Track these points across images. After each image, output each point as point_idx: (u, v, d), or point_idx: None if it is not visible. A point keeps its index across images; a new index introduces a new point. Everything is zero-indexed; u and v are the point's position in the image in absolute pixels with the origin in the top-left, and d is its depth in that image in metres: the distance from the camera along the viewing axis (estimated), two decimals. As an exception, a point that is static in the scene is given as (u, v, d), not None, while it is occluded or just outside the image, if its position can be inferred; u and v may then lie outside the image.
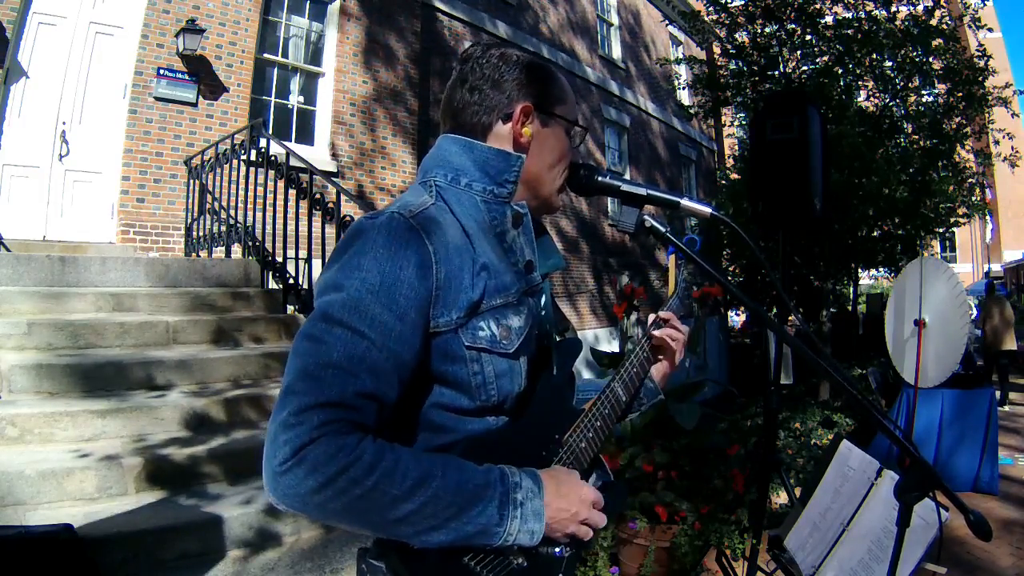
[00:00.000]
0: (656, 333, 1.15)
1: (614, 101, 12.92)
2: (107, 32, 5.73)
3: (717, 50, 12.32)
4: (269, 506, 2.74)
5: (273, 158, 4.97)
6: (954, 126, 8.81)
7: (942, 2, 8.14)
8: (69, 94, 5.52)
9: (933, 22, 8.05)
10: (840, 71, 8.16)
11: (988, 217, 22.96)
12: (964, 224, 10.94)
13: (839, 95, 7.82)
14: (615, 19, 13.59)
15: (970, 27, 8.42)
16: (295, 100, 7.17)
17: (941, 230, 9.15)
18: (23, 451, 2.77)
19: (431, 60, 8.60)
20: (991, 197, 20.27)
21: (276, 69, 6.98)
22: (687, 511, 2.85)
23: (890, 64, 8.48)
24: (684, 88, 14.17)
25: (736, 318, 14.49)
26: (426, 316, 0.83)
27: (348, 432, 0.73)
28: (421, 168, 1.00)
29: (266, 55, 6.81)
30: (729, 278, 8.06)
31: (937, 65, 8.51)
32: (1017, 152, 9.77)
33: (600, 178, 1.03)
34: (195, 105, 6.12)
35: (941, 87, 8.92)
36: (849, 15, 8.34)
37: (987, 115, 9.25)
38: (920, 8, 8.18)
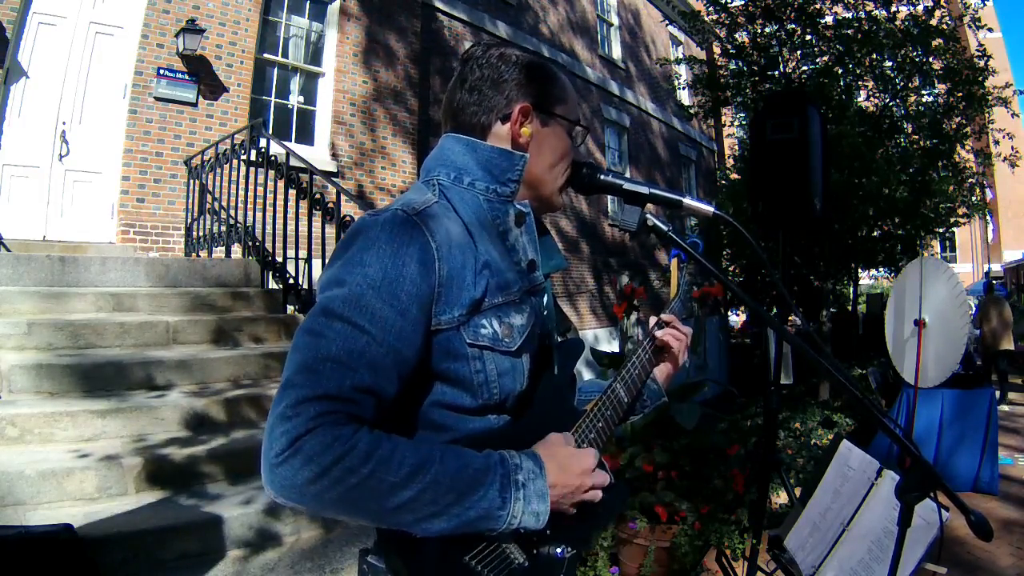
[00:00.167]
0: (659, 334, 1.15)
1: (614, 101, 12.92)
2: (107, 32, 5.73)
3: (717, 50, 12.31)
4: (269, 506, 2.74)
5: (273, 158, 4.97)
6: (954, 126, 8.80)
7: (942, 2, 8.14)
8: (69, 94, 5.52)
9: (933, 22, 8.04)
10: (840, 71, 8.16)
11: (988, 217, 22.96)
12: (964, 224, 10.94)
13: (839, 95, 7.82)
14: (615, 19, 13.59)
15: (970, 27, 8.42)
16: (295, 100, 7.17)
17: (941, 230, 9.16)
18: (23, 451, 2.77)
19: (431, 60, 8.60)
20: (991, 197, 20.28)
21: (276, 69, 6.98)
22: (687, 511, 2.85)
23: (890, 64, 8.48)
24: (684, 88, 14.18)
25: (736, 318, 14.48)
26: (428, 313, 0.83)
27: (344, 423, 0.73)
28: (424, 167, 1.00)
29: (266, 55, 6.81)
30: (729, 278, 8.05)
31: (937, 65, 8.50)
32: (1017, 152, 9.76)
33: (603, 177, 1.03)
34: (195, 105, 6.12)
35: (941, 87, 8.91)
36: (849, 15, 8.34)
37: (987, 115, 9.24)
38: (920, 8, 8.18)
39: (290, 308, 4.88)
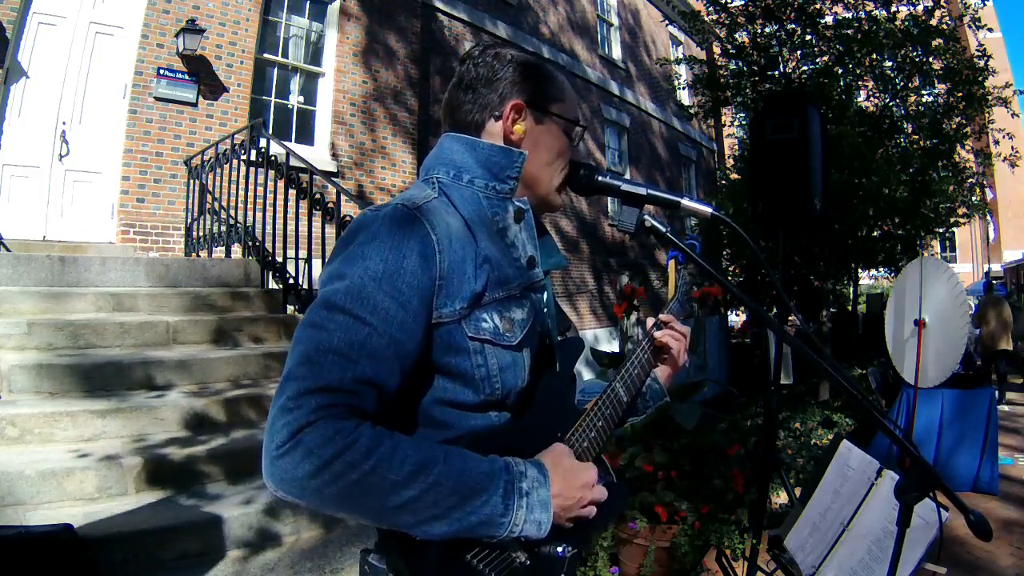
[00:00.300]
0: (657, 335, 1.15)
1: (614, 101, 12.92)
2: (107, 32, 5.73)
3: (717, 50, 12.31)
4: (269, 506, 2.74)
5: (273, 158, 4.97)
6: (954, 126, 8.79)
7: (942, 2, 8.13)
8: (69, 94, 5.52)
9: (933, 22, 8.04)
10: (840, 71, 8.15)
11: (989, 217, 22.95)
12: (964, 224, 10.94)
13: (839, 95, 7.81)
14: (615, 19, 13.59)
15: (970, 27, 8.41)
16: (295, 100, 7.17)
17: (941, 230, 9.15)
18: (23, 451, 2.77)
19: (431, 60, 8.60)
20: (991, 197, 20.28)
21: (276, 69, 6.99)
22: (687, 511, 2.85)
23: (890, 64, 8.48)
24: (684, 88, 14.17)
25: (736, 318, 14.48)
26: (429, 305, 0.83)
27: (346, 416, 0.73)
28: (423, 167, 1.01)
29: (266, 55, 6.81)
30: (729, 278, 8.07)
31: (937, 65, 8.50)
32: (1017, 152, 9.76)
33: (600, 178, 1.03)
34: (195, 105, 6.13)
35: (941, 87, 8.91)
36: (849, 15, 8.34)
37: (987, 115, 9.23)
38: (920, 8, 8.17)
39: (290, 308, 4.88)
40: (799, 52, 8.52)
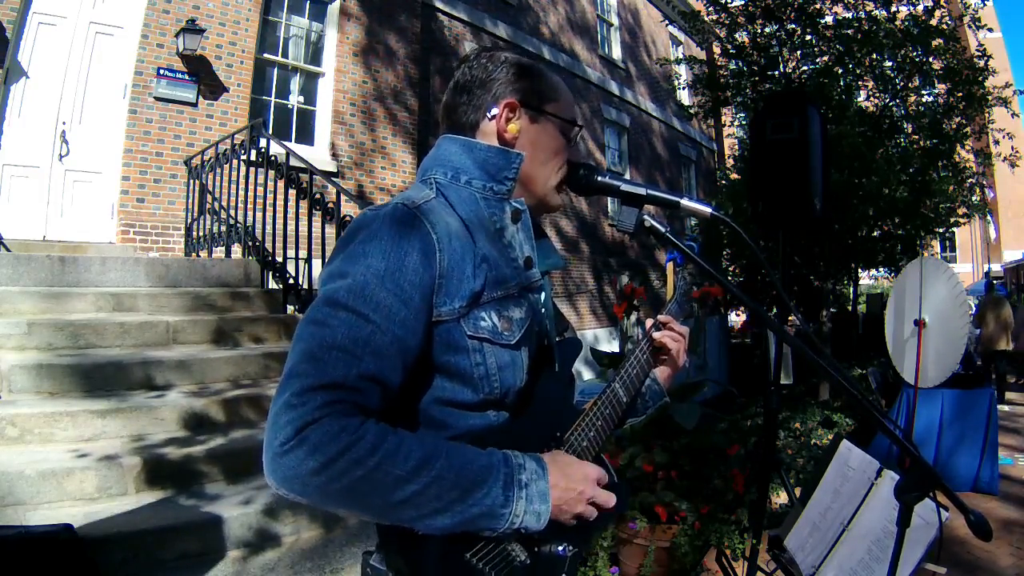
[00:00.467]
0: (656, 335, 1.15)
1: (614, 101, 12.92)
2: (107, 32, 5.73)
3: (717, 50, 12.30)
4: (269, 506, 2.74)
5: (273, 158, 4.97)
6: (954, 126, 8.79)
7: (942, 2, 8.13)
8: (69, 94, 5.52)
9: (933, 22, 8.03)
10: (840, 71, 8.15)
11: (989, 217, 22.95)
12: (964, 224, 10.93)
13: (839, 95, 7.81)
14: (615, 19, 13.59)
15: (970, 27, 8.41)
16: (295, 100, 7.17)
17: (941, 230, 9.15)
18: (23, 451, 2.77)
19: (431, 60, 8.60)
20: (991, 197, 20.28)
21: (276, 69, 6.99)
22: (687, 511, 2.85)
23: (890, 64, 8.47)
24: (684, 88, 14.17)
25: (736, 318, 14.48)
26: (429, 303, 0.84)
27: (351, 414, 0.73)
28: (421, 168, 1.01)
29: (266, 55, 6.81)
30: (729, 278, 8.07)
31: (937, 65, 8.49)
32: (1017, 152, 9.76)
33: (600, 178, 1.03)
34: (195, 105, 6.13)
35: (941, 87, 8.90)
36: (849, 15, 8.34)
37: (987, 115, 9.23)
38: (920, 8, 8.17)
39: (290, 308, 4.88)
40: (799, 52, 8.52)
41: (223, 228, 5.26)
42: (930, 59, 8.34)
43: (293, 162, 4.83)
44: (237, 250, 5.29)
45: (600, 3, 13.19)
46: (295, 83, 7.19)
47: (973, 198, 10.49)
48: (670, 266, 1.27)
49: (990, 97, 8.77)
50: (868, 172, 6.79)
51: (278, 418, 0.72)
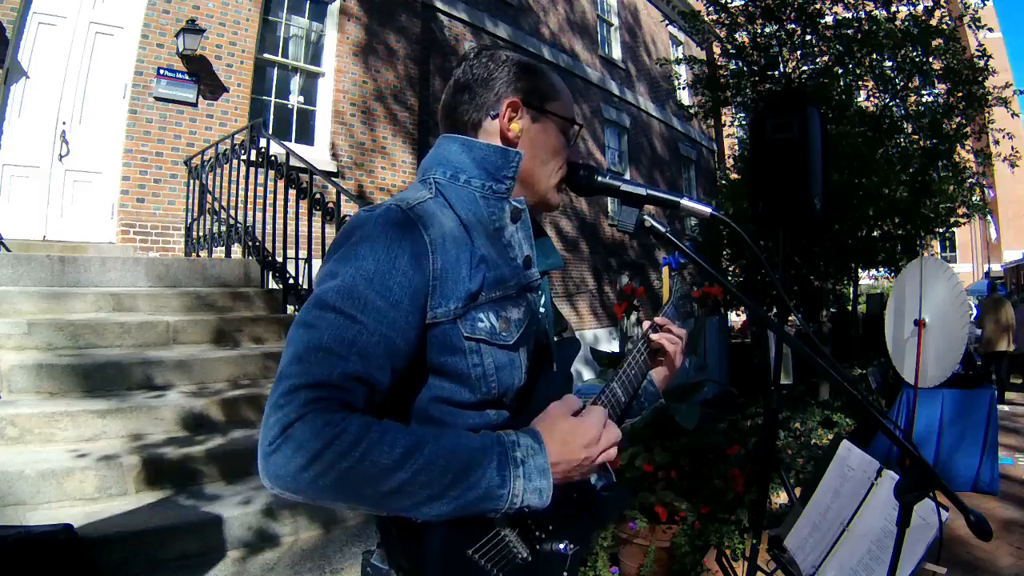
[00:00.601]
0: (654, 337, 1.15)
1: (614, 101, 12.92)
2: (107, 32, 5.73)
3: (717, 50, 12.31)
4: (269, 506, 2.74)
5: (273, 158, 4.97)
6: (954, 126, 8.79)
7: (942, 2, 8.13)
8: (69, 94, 5.52)
9: (933, 22, 8.03)
10: (840, 71, 8.15)
11: (989, 217, 22.93)
12: (964, 224, 10.92)
13: (839, 95, 7.81)
14: (615, 19, 13.59)
15: (970, 27, 8.41)
16: (295, 100, 7.17)
17: (941, 230, 9.14)
18: (23, 451, 2.77)
19: (431, 60, 8.60)
20: (991, 197, 20.26)
21: (276, 69, 6.98)
22: (687, 511, 2.85)
23: (890, 64, 8.47)
24: (684, 88, 14.16)
25: (736, 318, 14.48)
26: (422, 306, 0.84)
27: (335, 410, 0.74)
28: (421, 168, 1.01)
29: (266, 55, 6.81)
30: (729, 278, 8.07)
31: (937, 65, 8.50)
32: (1017, 152, 9.77)
33: (600, 178, 1.03)
34: (195, 105, 6.12)
35: (941, 87, 8.91)
36: (849, 15, 8.33)
37: (987, 115, 9.24)
38: (920, 8, 8.17)
39: (290, 308, 4.88)
40: (799, 52, 8.52)
41: (223, 228, 5.26)
42: (930, 59, 8.34)
43: (293, 162, 4.83)
44: (237, 250, 5.29)
45: (600, 3, 13.19)
46: (295, 83, 7.19)
47: (973, 198, 10.48)
48: (666, 270, 1.28)
49: (990, 97, 8.77)
50: (868, 172, 6.79)
51: (267, 419, 0.73)
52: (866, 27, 7.99)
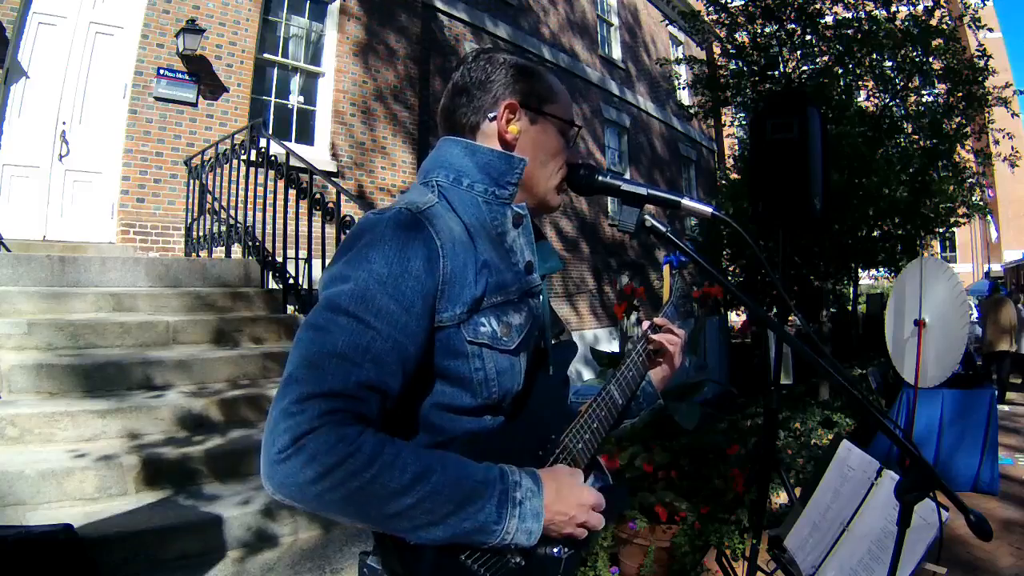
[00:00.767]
0: (654, 337, 1.15)
1: (614, 101, 12.92)
2: (107, 32, 5.73)
3: (717, 50, 12.32)
4: (268, 506, 2.74)
5: (273, 158, 4.97)
6: (954, 126, 8.79)
7: (942, 2, 8.13)
8: (69, 94, 5.52)
9: (933, 22, 8.03)
10: (840, 71, 8.15)
11: (989, 217, 22.93)
12: (964, 224, 10.93)
13: (839, 95, 7.81)
14: (615, 19, 13.59)
15: (970, 27, 8.41)
16: (295, 100, 7.17)
17: (941, 230, 9.15)
18: (23, 451, 2.77)
19: (431, 60, 8.60)
20: (991, 197, 20.25)
21: (276, 69, 6.98)
22: (687, 511, 2.86)
23: (890, 64, 8.47)
24: (684, 88, 14.16)
25: (736, 318, 14.48)
26: (431, 309, 0.84)
27: (349, 423, 0.73)
28: (422, 169, 1.01)
29: (266, 55, 6.81)
30: (729, 278, 8.06)
31: (937, 65, 8.50)
32: (1017, 152, 9.77)
33: (600, 178, 1.03)
34: (195, 105, 6.12)
35: (941, 87, 8.91)
36: (849, 15, 8.34)
37: (987, 115, 9.24)
38: (920, 8, 8.18)
39: (290, 308, 4.88)
40: (799, 52, 8.52)
41: (223, 228, 5.26)
42: (930, 59, 8.34)
43: (293, 162, 4.83)
44: (237, 250, 5.29)
45: (600, 3, 13.19)
46: (295, 83, 7.18)
47: (973, 198, 10.48)
48: (666, 269, 1.28)
49: (990, 97, 8.77)
50: (868, 172, 6.79)
51: (276, 425, 0.72)
52: (866, 27, 8.00)
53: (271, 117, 6.87)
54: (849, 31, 8.11)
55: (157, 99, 5.88)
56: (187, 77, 6.04)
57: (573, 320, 11.07)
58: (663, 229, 1.02)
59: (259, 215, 4.95)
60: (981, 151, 10.39)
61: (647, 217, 1.04)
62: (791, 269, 7.42)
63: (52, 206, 5.45)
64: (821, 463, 1.98)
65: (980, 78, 8.49)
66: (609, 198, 11.80)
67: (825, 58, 8.40)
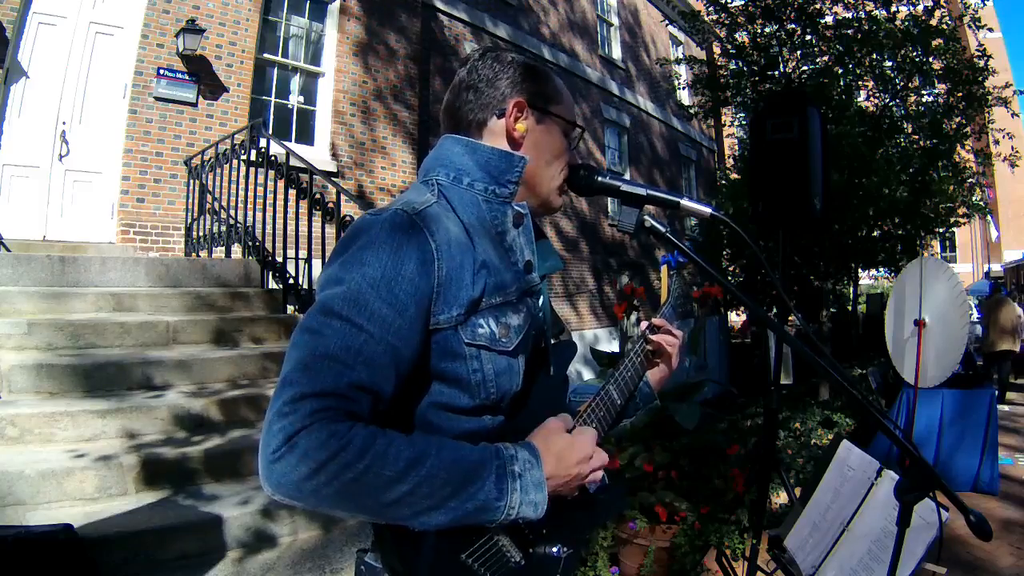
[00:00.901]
0: (652, 338, 1.15)
1: (614, 101, 12.92)
2: (107, 32, 5.73)
3: (717, 50, 12.31)
4: (268, 506, 2.74)
5: (273, 158, 4.97)
6: (954, 126, 8.79)
7: (942, 2, 8.13)
8: (69, 94, 5.52)
9: (933, 22, 8.03)
10: (840, 71, 8.15)
11: (990, 217, 22.92)
12: (964, 224, 10.93)
13: (839, 95, 7.81)
14: (615, 19, 13.59)
15: (970, 27, 8.41)
16: (295, 100, 7.17)
17: (941, 230, 9.15)
18: (23, 451, 2.77)
19: (431, 60, 8.60)
20: (991, 198, 20.25)
21: (276, 69, 6.99)
22: (687, 511, 2.85)
23: (890, 64, 8.47)
24: (684, 88, 14.17)
25: (736, 318, 14.48)
26: (426, 312, 0.83)
27: (340, 419, 0.74)
28: (422, 168, 1.01)
29: (266, 55, 6.81)
30: (729, 278, 8.07)
31: (937, 65, 8.49)
32: (1017, 152, 9.77)
33: (600, 178, 1.03)
34: (195, 105, 6.13)
35: (941, 87, 8.90)
36: (849, 15, 8.33)
37: (987, 115, 9.24)
38: (920, 8, 8.17)
39: (290, 308, 4.89)
40: (799, 52, 8.52)
41: (223, 228, 5.26)
42: (930, 59, 8.34)
43: (293, 162, 4.83)
44: (237, 250, 5.29)
45: (600, 3, 13.19)
46: (295, 83, 7.19)
47: (973, 198, 10.48)
48: (664, 270, 1.28)
49: (990, 97, 8.77)
50: (868, 172, 6.79)
51: (271, 426, 0.73)
52: (866, 27, 7.99)
53: (271, 117, 6.87)
54: (849, 31, 8.11)
55: (157, 99, 5.88)
56: (187, 77, 6.05)
57: (573, 320, 11.08)
58: (662, 229, 1.02)
59: (259, 215, 4.95)
60: (981, 151, 10.39)
61: (647, 217, 1.03)
62: (791, 269, 7.41)
63: (52, 206, 5.46)
64: (821, 463, 1.98)
65: (980, 78, 8.48)
66: (609, 198, 11.81)
67: (825, 58, 8.40)
